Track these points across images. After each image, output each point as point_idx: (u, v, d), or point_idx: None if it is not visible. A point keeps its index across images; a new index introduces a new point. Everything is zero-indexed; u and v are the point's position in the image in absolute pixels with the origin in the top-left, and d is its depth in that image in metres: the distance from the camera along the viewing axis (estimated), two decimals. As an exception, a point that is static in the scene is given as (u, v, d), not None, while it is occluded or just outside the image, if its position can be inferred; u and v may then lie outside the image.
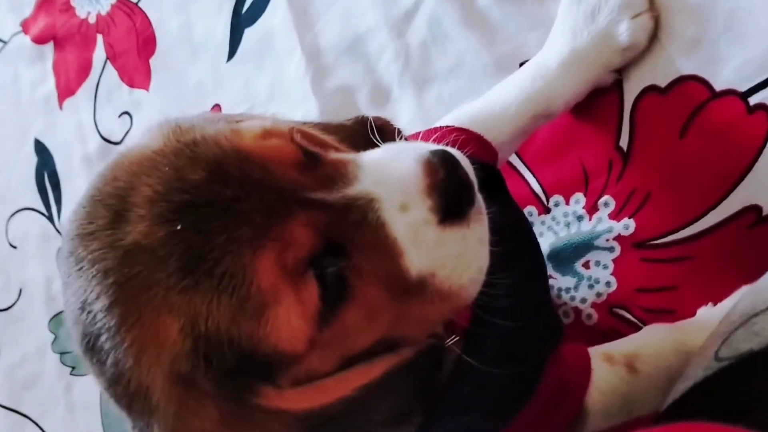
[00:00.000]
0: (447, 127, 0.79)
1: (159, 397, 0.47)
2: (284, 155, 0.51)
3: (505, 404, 0.68)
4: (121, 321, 0.47)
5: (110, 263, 0.47)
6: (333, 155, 0.54)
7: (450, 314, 0.56)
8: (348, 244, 0.50)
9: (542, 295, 0.77)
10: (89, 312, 0.49)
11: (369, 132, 0.62)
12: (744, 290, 0.74)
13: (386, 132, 0.64)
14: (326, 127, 0.64)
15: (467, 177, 0.52)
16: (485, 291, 0.56)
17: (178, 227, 0.46)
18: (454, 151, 0.54)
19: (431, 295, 0.52)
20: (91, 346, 0.49)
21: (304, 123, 0.63)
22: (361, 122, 0.66)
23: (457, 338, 0.62)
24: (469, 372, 0.62)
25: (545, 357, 0.71)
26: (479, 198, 0.54)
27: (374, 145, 0.58)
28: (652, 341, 0.77)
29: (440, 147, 0.53)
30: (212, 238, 0.46)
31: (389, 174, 0.51)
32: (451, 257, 0.52)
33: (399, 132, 0.65)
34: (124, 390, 0.48)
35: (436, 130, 0.78)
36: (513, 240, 0.72)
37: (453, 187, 0.51)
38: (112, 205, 0.49)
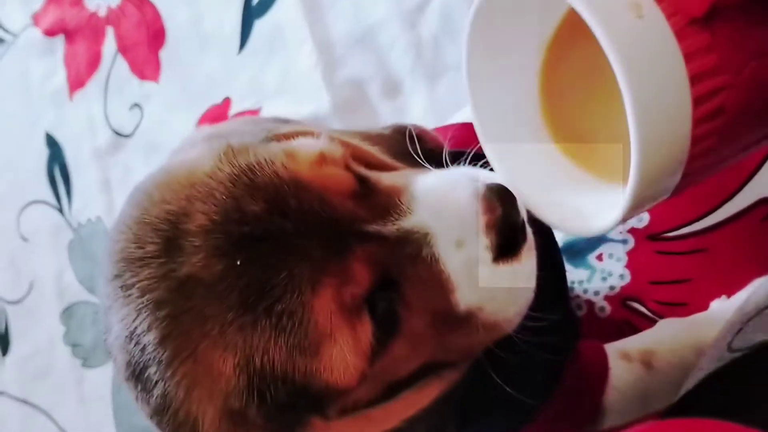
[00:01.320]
0: (460, 125, 0.78)
1: (207, 430, 0.47)
2: (341, 184, 0.49)
3: (526, 402, 0.68)
4: (174, 355, 0.46)
5: (163, 294, 0.46)
6: (385, 180, 0.53)
7: (491, 342, 0.55)
8: (400, 278, 0.49)
9: (560, 291, 0.77)
10: (137, 343, 0.47)
11: (408, 142, 0.61)
12: (758, 282, 0.74)
13: (425, 141, 0.62)
14: (368, 137, 0.62)
15: (520, 213, 0.51)
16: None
17: (238, 262, 0.45)
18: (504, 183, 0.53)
19: (476, 326, 0.52)
20: (137, 375, 0.48)
21: (344, 132, 0.62)
22: (400, 131, 0.64)
23: None
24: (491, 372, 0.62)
25: (564, 356, 0.71)
26: (530, 233, 0.53)
27: (413, 156, 0.58)
28: (667, 337, 0.78)
29: (495, 180, 0.52)
30: (272, 274, 0.45)
31: (445, 207, 0.50)
32: (501, 292, 0.51)
33: (441, 143, 0.63)
34: (170, 420, 0.48)
35: (450, 127, 0.77)
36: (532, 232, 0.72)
37: (509, 225, 0.50)
38: (164, 231, 0.47)
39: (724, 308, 0.78)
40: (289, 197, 0.47)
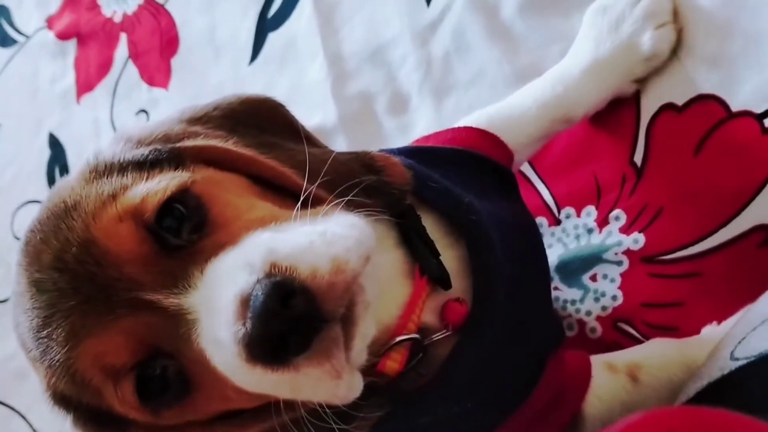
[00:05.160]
0: (462, 127, 0.80)
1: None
2: (129, 246, 0.50)
3: (502, 398, 0.68)
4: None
5: (21, 287, 0.53)
6: (216, 231, 0.52)
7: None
8: (176, 354, 0.50)
9: (542, 297, 0.77)
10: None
11: (361, 170, 0.61)
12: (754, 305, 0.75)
13: (379, 173, 0.62)
14: (292, 159, 0.60)
15: (301, 317, 0.45)
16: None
17: (30, 300, 0.51)
18: (329, 256, 0.47)
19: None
20: None
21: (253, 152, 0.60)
22: (360, 159, 0.63)
23: (447, 333, 0.62)
24: (464, 362, 0.63)
25: (543, 359, 0.71)
26: (329, 338, 0.47)
27: (353, 187, 0.57)
28: (656, 353, 0.78)
29: (291, 265, 0.46)
30: (43, 326, 0.50)
31: (214, 299, 0.47)
32: (283, 392, 0.49)
33: (393, 174, 0.63)
34: None
35: (453, 131, 0.79)
36: (520, 241, 0.73)
37: (259, 338, 0.45)
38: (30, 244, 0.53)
39: (715, 334, 0.78)
40: (70, 255, 0.50)
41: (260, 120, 0.64)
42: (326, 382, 0.47)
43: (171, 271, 0.49)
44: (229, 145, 0.58)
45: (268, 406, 0.52)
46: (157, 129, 0.59)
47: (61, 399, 0.53)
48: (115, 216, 0.51)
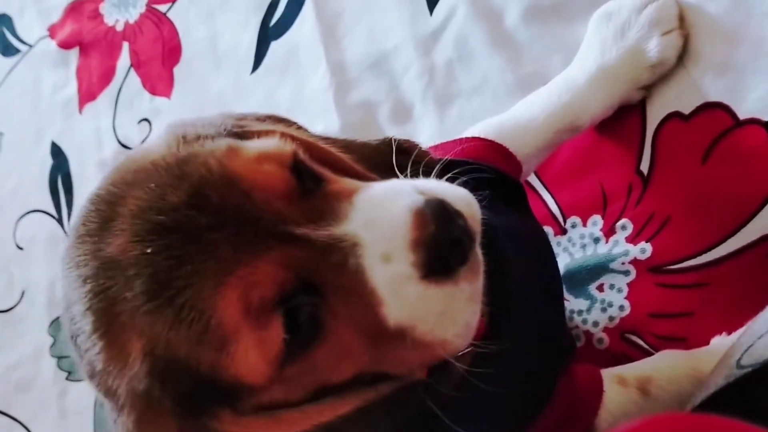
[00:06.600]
0: (470, 138, 0.79)
1: (123, 402, 0.49)
2: (273, 183, 0.50)
3: (515, 418, 0.67)
4: (93, 329, 0.48)
5: (89, 271, 0.48)
6: (334, 186, 0.53)
7: (435, 360, 0.53)
8: (324, 285, 0.49)
9: (555, 312, 0.76)
10: (71, 312, 0.50)
11: (393, 154, 0.61)
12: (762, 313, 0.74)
13: (413, 153, 0.62)
14: (348, 145, 0.63)
15: (463, 233, 0.49)
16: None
17: (148, 250, 0.46)
18: (463, 197, 0.52)
19: (411, 343, 0.50)
20: (75, 341, 0.51)
21: (326, 138, 0.62)
22: (388, 143, 0.65)
23: (468, 350, 0.60)
24: (483, 378, 0.61)
25: (556, 375, 0.70)
26: (476, 253, 0.51)
27: (395, 170, 0.58)
28: (666, 365, 0.77)
29: (441, 195, 0.50)
30: (177, 266, 0.46)
31: (379, 219, 0.49)
32: (433, 313, 0.50)
33: (428, 159, 0.63)
34: (98, 386, 0.50)
35: (460, 141, 0.78)
36: (532, 254, 0.72)
37: (441, 244, 0.48)
38: (102, 211, 0.50)
39: (724, 345, 0.77)
40: (212, 191, 0.48)
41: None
42: (471, 305, 0.51)
43: (314, 207, 0.50)
44: (293, 131, 0.58)
45: (359, 383, 0.52)
46: (212, 120, 0.58)
47: (163, 369, 0.47)
48: (255, 157, 0.50)
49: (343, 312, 0.50)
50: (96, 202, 0.51)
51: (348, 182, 0.54)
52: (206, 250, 0.46)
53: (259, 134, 0.56)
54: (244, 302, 0.46)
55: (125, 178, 0.50)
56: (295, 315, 0.48)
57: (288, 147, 0.53)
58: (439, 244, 0.48)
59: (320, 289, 0.49)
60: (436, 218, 0.48)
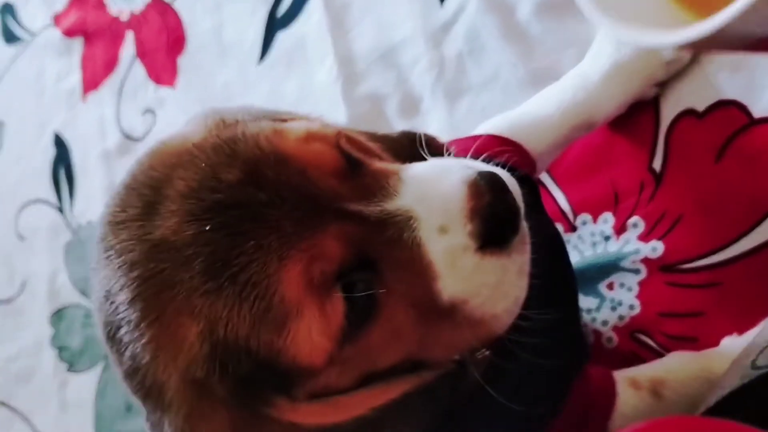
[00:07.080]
0: (486, 135, 0.78)
1: (172, 397, 0.47)
2: (325, 161, 0.50)
3: (530, 422, 0.67)
4: (142, 316, 0.47)
5: (136, 256, 0.47)
6: (377, 165, 0.53)
7: (478, 341, 0.54)
8: (380, 260, 0.49)
9: (571, 313, 0.76)
10: (112, 302, 0.49)
11: (415, 145, 0.61)
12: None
13: (433, 147, 0.62)
14: (371, 135, 0.63)
15: (514, 204, 0.50)
16: (518, 324, 0.54)
17: (207, 228, 0.46)
18: (504, 174, 0.52)
19: (461, 320, 0.51)
20: (112, 336, 0.49)
21: (350, 129, 0.62)
22: (408, 135, 0.65)
23: (486, 353, 0.59)
24: (499, 382, 0.61)
25: (572, 377, 0.70)
26: (524, 226, 0.52)
27: (419, 159, 0.57)
28: (677, 367, 0.77)
29: (490, 168, 0.52)
30: (239, 243, 0.45)
31: (432, 192, 0.50)
32: (487, 286, 0.50)
33: (447, 148, 0.63)
34: (140, 383, 0.48)
35: (475, 138, 0.77)
36: (547, 254, 0.71)
37: (498, 213, 0.49)
38: (145, 195, 0.49)
39: (735, 345, 0.77)
40: (267, 169, 0.47)
41: None
42: (521, 278, 0.52)
43: (363, 185, 0.50)
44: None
45: (403, 369, 0.52)
46: (242, 108, 0.58)
47: (223, 351, 0.46)
48: (304, 137, 0.50)
49: (397, 288, 0.50)
50: (135, 186, 0.50)
51: (386, 164, 0.55)
52: (268, 225, 0.46)
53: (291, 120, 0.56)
54: (306, 277, 0.46)
55: (166, 161, 0.50)
56: (350, 291, 0.48)
57: (331, 128, 0.53)
58: (495, 214, 0.49)
59: (376, 264, 0.49)
60: (491, 188, 0.49)
